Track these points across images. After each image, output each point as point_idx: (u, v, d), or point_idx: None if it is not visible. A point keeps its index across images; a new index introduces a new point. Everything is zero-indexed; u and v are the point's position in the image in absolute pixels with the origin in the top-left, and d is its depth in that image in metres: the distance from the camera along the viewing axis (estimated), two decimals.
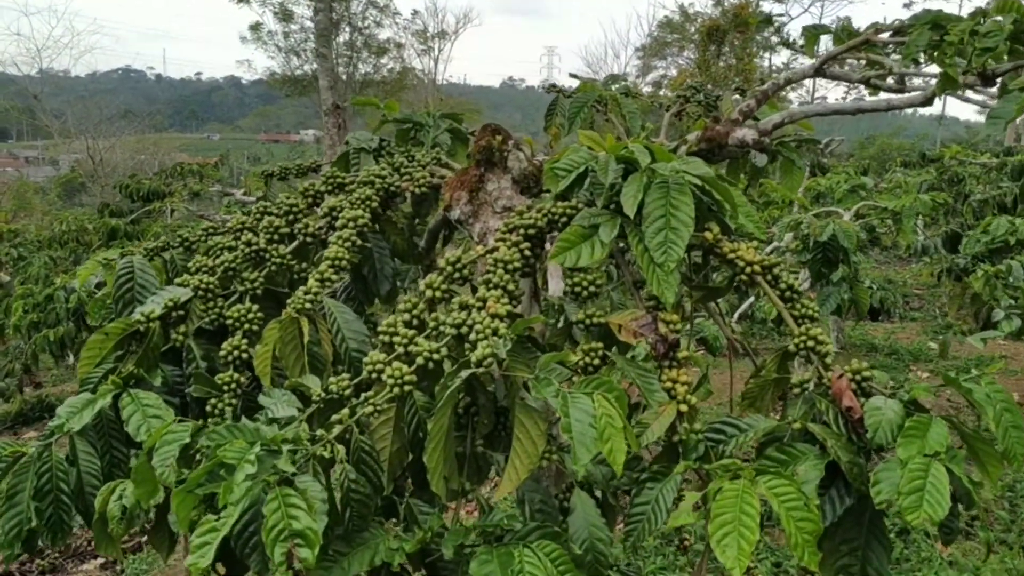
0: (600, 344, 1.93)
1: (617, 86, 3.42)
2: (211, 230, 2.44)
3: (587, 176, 2.07)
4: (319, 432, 1.58)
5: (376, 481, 1.61)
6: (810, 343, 1.85)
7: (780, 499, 1.53)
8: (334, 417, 1.61)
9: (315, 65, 24.05)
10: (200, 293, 2.17)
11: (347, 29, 26.68)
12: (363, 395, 1.66)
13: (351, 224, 2.15)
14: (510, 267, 1.83)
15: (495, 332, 1.63)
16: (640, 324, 1.92)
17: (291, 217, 2.33)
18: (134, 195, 12.67)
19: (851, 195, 5.83)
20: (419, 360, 1.67)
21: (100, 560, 6.51)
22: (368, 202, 2.25)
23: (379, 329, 1.88)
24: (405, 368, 1.66)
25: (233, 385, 2.02)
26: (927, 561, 5.39)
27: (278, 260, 2.23)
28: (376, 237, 2.59)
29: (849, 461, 1.63)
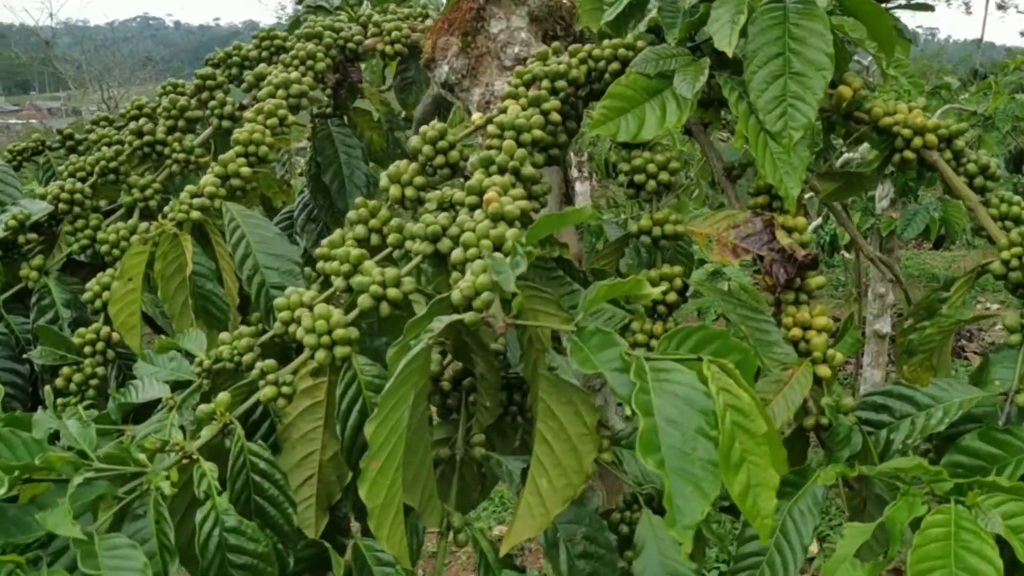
0: (679, 268, 1.17)
1: None
2: (103, 121, 1.69)
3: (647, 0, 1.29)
4: (175, 439, 0.84)
5: (283, 525, 0.87)
6: None
7: None
8: (201, 409, 0.88)
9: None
10: (64, 207, 1.43)
11: None
12: (262, 365, 0.92)
13: (280, 92, 1.39)
14: (527, 137, 1.07)
15: (498, 246, 0.88)
16: (744, 234, 1.16)
17: (205, 95, 1.57)
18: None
19: (934, 97, 4.99)
20: (363, 300, 0.93)
21: None
22: (311, 62, 1.48)
23: (316, 252, 1.14)
24: (336, 314, 0.92)
25: (100, 346, 1.29)
26: None
27: (181, 156, 1.47)
28: (342, 132, 1.84)
29: None
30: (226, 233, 1.17)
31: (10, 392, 1.38)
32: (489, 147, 1.08)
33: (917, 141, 1.21)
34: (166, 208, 1.22)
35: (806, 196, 1.83)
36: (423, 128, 1.17)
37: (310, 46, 1.48)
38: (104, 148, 1.48)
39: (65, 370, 1.27)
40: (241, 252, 1.16)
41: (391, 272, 0.93)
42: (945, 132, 1.22)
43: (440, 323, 0.78)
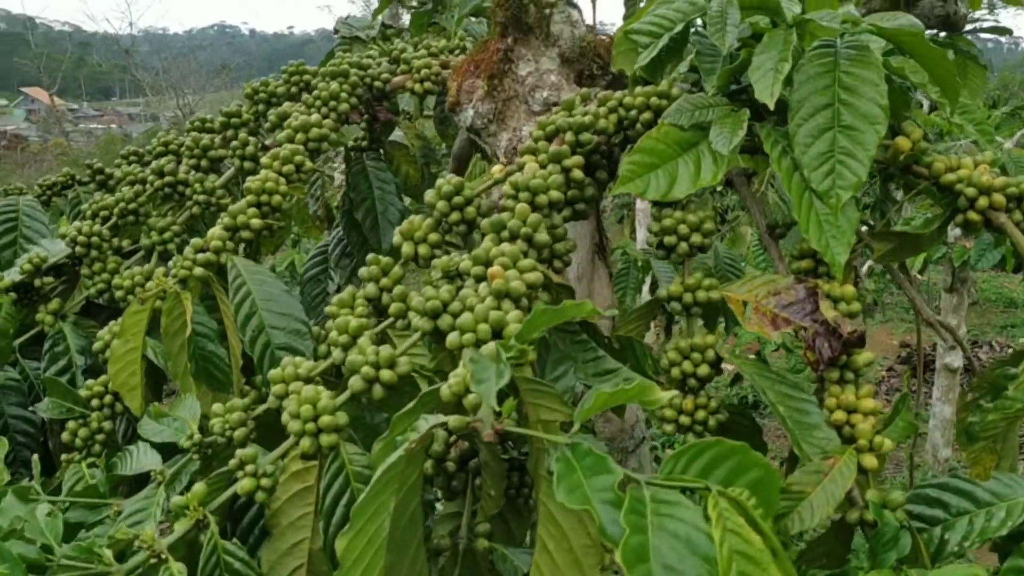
0: (713, 338, 1.08)
1: None
2: (132, 155, 1.66)
3: (686, 41, 1.20)
4: (145, 535, 0.78)
5: None
6: None
7: None
8: (174, 502, 0.81)
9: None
10: (81, 250, 1.39)
11: None
12: (241, 454, 0.85)
13: (299, 135, 1.33)
14: (543, 200, 0.98)
15: (498, 331, 0.80)
16: (785, 302, 1.06)
17: (230, 133, 1.52)
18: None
19: (1011, 120, 4.72)
20: (354, 382, 0.85)
21: None
22: (334, 103, 1.42)
23: (326, 309, 1.08)
24: (324, 398, 0.85)
25: (108, 399, 1.24)
26: None
27: (201, 197, 1.43)
28: (377, 166, 1.78)
29: None
30: (230, 290, 1.11)
31: (20, 440, 1.35)
32: (503, 208, 1.00)
33: (982, 202, 1.09)
34: (170, 263, 1.17)
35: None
36: (439, 181, 1.09)
37: (334, 86, 1.42)
38: (125, 188, 1.44)
39: (71, 424, 1.23)
40: (245, 311, 1.10)
41: (386, 352, 0.85)
42: (1015, 191, 1.10)
43: (424, 424, 0.70)
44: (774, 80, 1.05)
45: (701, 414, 1.06)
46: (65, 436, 1.23)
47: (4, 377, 1.34)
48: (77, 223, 1.41)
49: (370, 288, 1.09)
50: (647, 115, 1.13)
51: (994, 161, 1.15)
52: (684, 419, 1.07)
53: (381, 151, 1.82)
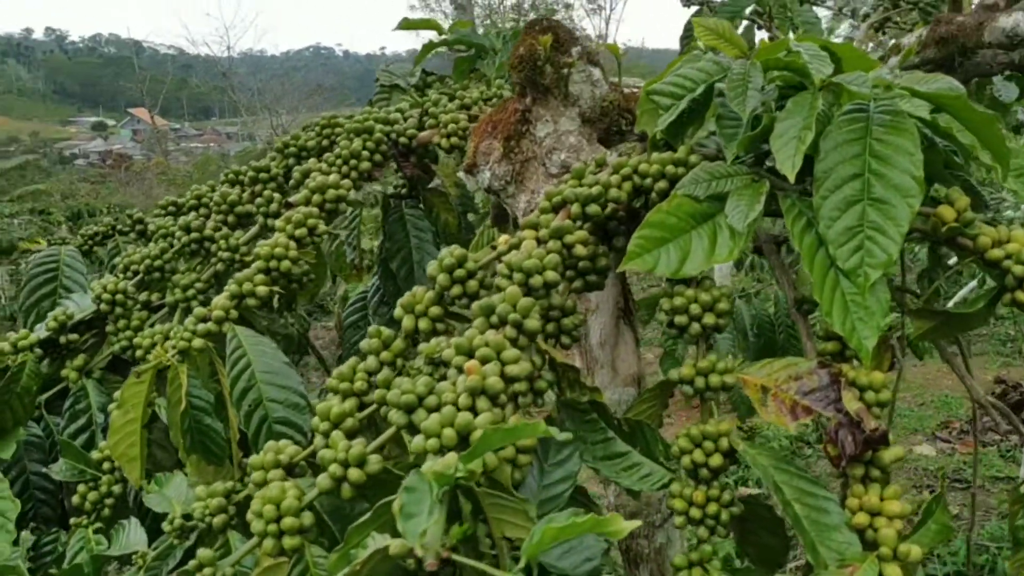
0: (727, 426, 1.00)
1: None
2: (171, 205, 1.67)
3: (709, 104, 1.13)
4: None
5: None
6: None
7: None
8: None
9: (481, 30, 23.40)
10: (105, 307, 1.40)
11: None
12: (200, 555, 0.82)
13: (316, 197, 1.31)
14: (537, 281, 0.93)
15: (464, 436, 0.74)
16: (807, 388, 0.98)
17: (259, 187, 1.52)
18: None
19: None
20: (321, 480, 0.81)
21: None
22: (355, 162, 1.40)
23: (327, 383, 1.05)
24: (290, 496, 0.81)
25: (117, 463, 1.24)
26: None
27: (226, 255, 1.42)
28: (415, 214, 1.76)
29: None
30: (227, 362, 1.09)
31: (40, 497, 1.36)
32: (499, 287, 0.95)
33: None
34: (173, 333, 1.16)
35: None
36: (442, 252, 1.05)
37: (356, 144, 1.40)
38: (152, 244, 1.45)
39: (81, 487, 1.23)
40: (243, 384, 1.07)
41: (356, 449, 0.81)
42: None
43: (372, 545, 0.65)
44: (796, 150, 0.97)
45: (713, 507, 0.99)
46: (75, 499, 1.23)
47: (27, 434, 1.35)
48: (103, 279, 1.42)
49: (371, 361, 1.05)
50: (662, 184, 1.07)
51: None
52: (695, 512, 0.99)
53: (420, 198, 1.80)
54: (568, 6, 26.51)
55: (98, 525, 1.20)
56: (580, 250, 0.99)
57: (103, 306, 1.40)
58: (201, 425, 1.10)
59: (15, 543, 1.08)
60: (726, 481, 1.01)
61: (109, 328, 1.42)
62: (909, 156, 0.97)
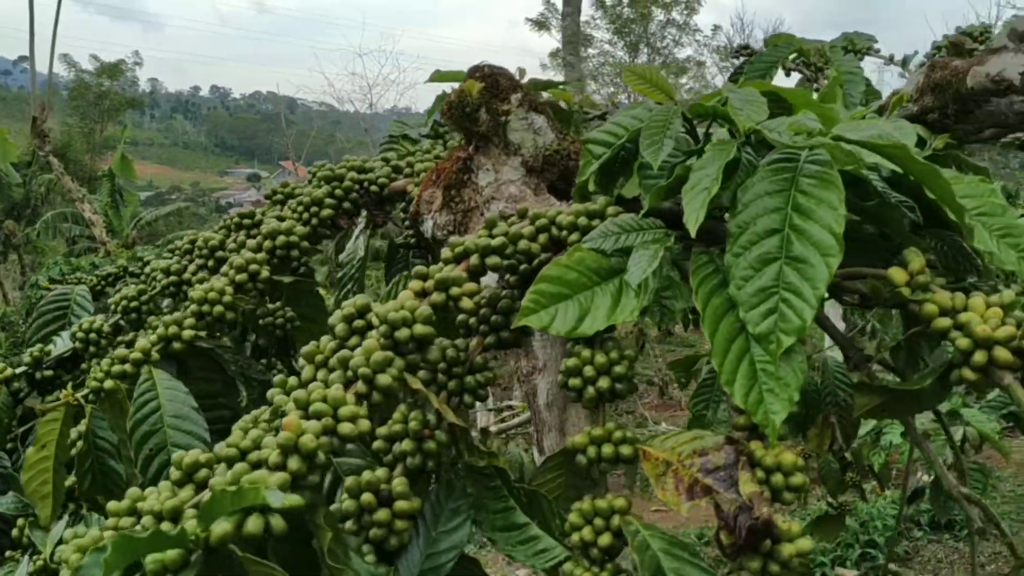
0: (622, 502, 0.91)
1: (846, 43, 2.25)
2: (179, 248, 1.71)
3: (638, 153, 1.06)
4: None
5: None
6: None
7: None
8: None
9: (610, 89, 23.52)
10: (80, 345, 1.44)
11: (645, 50, 25.67)
12: None
13: (267, 243, 1.30)
14: (403, 335, 0.88)
15: (252, 511, 0.69)
16: (710, 466, 0.88)
17: (241, 234, 1.53)
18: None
19: None
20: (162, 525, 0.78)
21: None
22: (315, 208, 1.39)
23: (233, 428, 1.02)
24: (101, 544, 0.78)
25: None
26: None
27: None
28: (418, 264, 1.73)
29: None
30: (132, 405, 1.08)
31: (2, 528, 1.38)
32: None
33: (979, 357, 0.86)
34: (92, 372, 1.17)
35: None
36: (345, 303, 1.01)
37: (319, 191, 1.39)
38: (131, 286, 1.48)
39: (20, 521, 1.24)
40: (147, 428, 1.06)
41: (170, 503, 0.77)
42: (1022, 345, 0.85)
43: None
44: (701, 204, 0.89)
45: None
46: (14, 532, 1.24)
47: None
48: (83, 320, 1.46)
49: (278, 396, 1.02)
50: (575, 236, 1.00)
51: (1015, 301, 0.91)
52: None
53: (427, 248, 1.77)
54: (700, 64, 26.30)
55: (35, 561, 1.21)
56: (467, 303, 0.93)
57: (77, 344, 1.43)
58: (104, 467, 1.10)
59: None
60: (620, 566, 0.91)
61: (83, 366, 1.45)
62: (832, 211, 0.87)
